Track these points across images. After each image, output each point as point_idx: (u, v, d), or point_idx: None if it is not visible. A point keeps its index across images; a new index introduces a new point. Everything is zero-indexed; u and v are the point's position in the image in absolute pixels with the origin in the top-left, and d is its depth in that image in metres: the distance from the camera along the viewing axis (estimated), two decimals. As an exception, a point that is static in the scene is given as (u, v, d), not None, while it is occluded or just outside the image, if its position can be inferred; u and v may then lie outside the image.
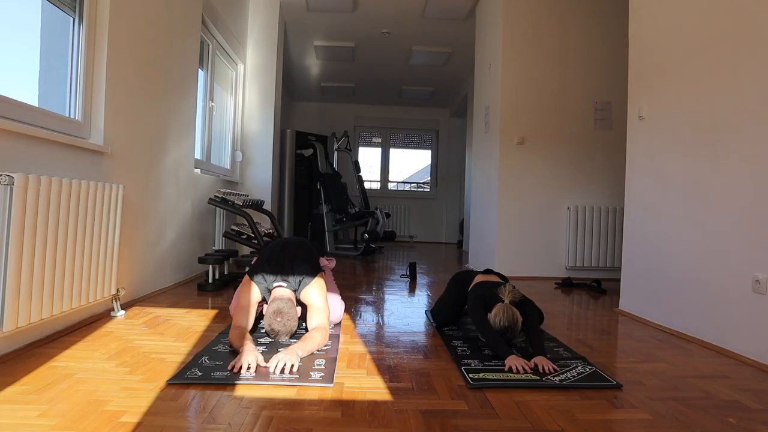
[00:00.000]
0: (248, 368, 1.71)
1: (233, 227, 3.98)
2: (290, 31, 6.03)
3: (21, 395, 1.45)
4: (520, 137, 4.47)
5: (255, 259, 2.30)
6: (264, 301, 2.17)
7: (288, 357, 1.75)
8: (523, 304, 2.15)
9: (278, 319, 1.97)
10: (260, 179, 5.30)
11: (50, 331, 2.03)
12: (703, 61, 2.48)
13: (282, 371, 1.70)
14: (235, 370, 1.70)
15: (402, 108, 9.38)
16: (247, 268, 2.28)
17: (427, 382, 1.71)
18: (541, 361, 1.87)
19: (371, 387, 1.64)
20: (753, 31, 2.17)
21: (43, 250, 1.80)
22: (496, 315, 2.06)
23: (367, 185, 8.84)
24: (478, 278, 2.49)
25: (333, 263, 2.80)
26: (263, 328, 2.27)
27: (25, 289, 1.72)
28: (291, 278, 2.13)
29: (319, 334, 1.99)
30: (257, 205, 4.17)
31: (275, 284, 2.11)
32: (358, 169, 7.18)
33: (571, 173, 4.52)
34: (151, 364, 1.77)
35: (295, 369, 1.72)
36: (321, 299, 2.15)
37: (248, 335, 1.95)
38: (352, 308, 2.90)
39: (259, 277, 2.14)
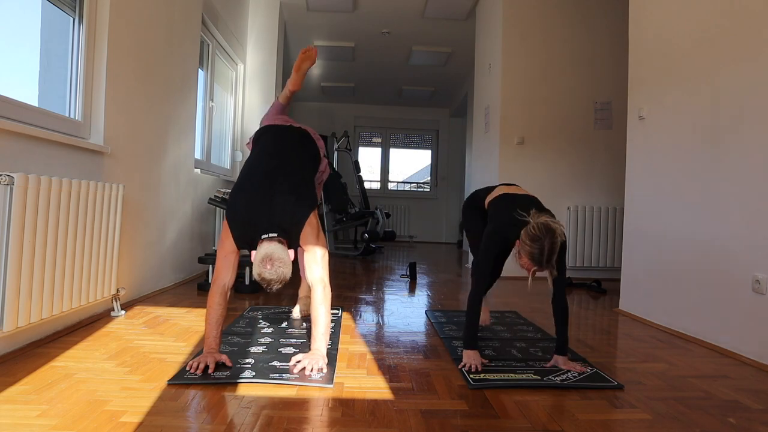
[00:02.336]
0: (207, 368, 1.68)
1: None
2: (290, 31, 6.02)
3: (21, 395, 1.45)
4: (520, 137, 4.47)
5: (234, 186, 1.94)
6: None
7: (314, 361, 1.74)
8: (561, 250, 1.77)
9: (268, 267, 1.69)
10: (260, 179, 5.29)
11: (50, 331, 2.03)
12: (703, 61, 2.48)
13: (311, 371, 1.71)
14: (192, 370, 1.67)
15: (402, 108, 9.37)
16: (224, 199, 1.91)
17: (427, 382, 1.71)
18: (565, 364, 1.85)
19: (371, 387, 1.64)
20: (753, 32, 2.17)
21: (43, 250, 1.80)
22: (534, 241, 1.70)
23: (367, 185, 8.84)
24: (499, 189, 2.14)
25: (326, 169, 2.39)
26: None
27: (25, 289, 1.72)
28: (279, 224, 1.80)
29: (323, 308, 1.83)
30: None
31: (260, 237, 1.79)
32: (358, 169, 7.18)
33: (571, 173, 4.52)
34: (151, 364, 1.77)
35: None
36: (315, 241, 1.87)
37: (218, 328, 1.80)
38: (352, 308, 2.90)
39: (237, 230, 1.83)
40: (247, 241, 1.82)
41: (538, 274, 1.79)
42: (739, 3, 2.26)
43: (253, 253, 1.79)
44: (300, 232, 1.85)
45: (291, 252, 1.80)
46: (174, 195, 3.31)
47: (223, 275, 1.85)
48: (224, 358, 1.75)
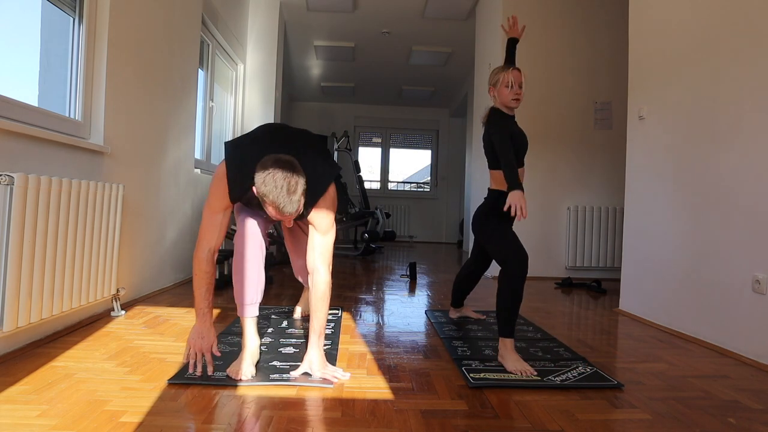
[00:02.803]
0: (203, 370, 1.64)
1: (233, 227, 3.98)
2: (290, 31, 6.02)
3: (21, 395, 1.45)
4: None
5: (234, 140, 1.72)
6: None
7: (321, 367, 1.67)
8: None
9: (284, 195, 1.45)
10: (260, 179, 5.28)
11: (50, 331, 2.03)
12: (703, 61, 2.48)
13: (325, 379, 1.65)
14: (191, 370, 1.65)
15: (402, 108, 9.37)
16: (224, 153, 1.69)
17: (427, 382, 1.71)
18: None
19: (371, 387, 1.64)
20: (753, 32, 2.17)
21: (43, 250, 1.80)
22: (495, 72, 2.16)
23: (367, 185, 8.84)
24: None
25: None
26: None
27: (25, 289, 1.72)
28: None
29: (325, 302, 1.70)
30: (257, 205, 4.15)
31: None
32: (358, 169, 7.18)
33: (571, 173, 4.51)
34: (151, 364, 1.77)
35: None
36: (330, 215, 1.72)
37: (210, 296, 1.68)
38: (352, 308, 2.91)
39: (238, 174, 1.58)
40: (242, 193, 1.58)
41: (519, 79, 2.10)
42: (739, 3, 2.26)
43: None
44: (321, 195, 1.66)
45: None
46: (174, 195, 3.31)
47: (209, 237, 1.66)
48: (214, 347, 1.69)
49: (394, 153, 9.74)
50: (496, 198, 2.13)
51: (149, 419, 1.33)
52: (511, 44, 2.55)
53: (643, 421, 1.44)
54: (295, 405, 1.47)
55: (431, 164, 9.67)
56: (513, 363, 1.83)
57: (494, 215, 2.11)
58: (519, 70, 2.13)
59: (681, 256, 2.59)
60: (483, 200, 2.23)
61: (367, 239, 5.85)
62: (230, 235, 4.01)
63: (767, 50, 2.09)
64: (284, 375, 1.69)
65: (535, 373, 1.79)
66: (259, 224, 1.79)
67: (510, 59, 2.49)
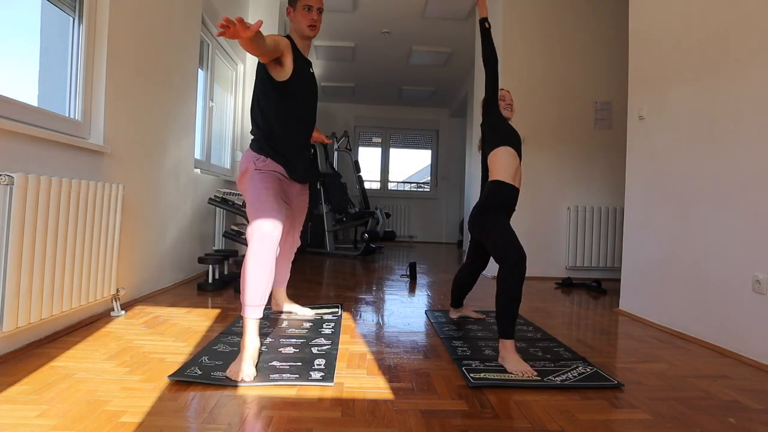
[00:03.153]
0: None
1: (233, 227, 3.98)
2: (290, 31, 6.02)
3: (21, 395, 1.45)
4: (520, 137, 4.46)
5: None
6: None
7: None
8: None
9: None
10: (260, 179, 5.28)
11: (50, 331, 2.03)
12: (703, 61, 2.48)
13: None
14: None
15: (402, 108, 9.37)
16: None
17: (427, 382, 1.71)
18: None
19: (371, 387, 1.65)
20: (753, 32, 2.17)
21: (43, 250, 1.80)
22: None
23: (367, 185, 8.84)
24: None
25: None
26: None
27: (25, 288, 1.72)
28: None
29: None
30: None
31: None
32: (358, 169, 7.18)
33: (571, 173, 4.52)
34: (151, 364, 1.77)
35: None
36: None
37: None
38: (352, 308, 2.91)
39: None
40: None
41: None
42: (739, 3, 2.26)
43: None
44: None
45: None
46: (174, 195, 3.31)
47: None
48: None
49: (394, 153, 9.74)
50: (495, 188, 2.19)
51: (149, 419, 1.33)
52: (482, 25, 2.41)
53: (643, 421, 1.44)
54: (295, 405, 1.47)
55: (431, 164, 9.67)
56: (514, 364, 1.83)
57: (493, 207, 2.16)
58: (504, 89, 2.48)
59: (681, 256, 2.59)
60: (481, 197, 2.25)
61: (367, 239, 5.85)
62: (229, 235, 3.99)
63: (767, 49, 2.09)
64: (284, 375, 1.69)
65: (536, 374, 1.79)
66: (276, 218, 1.89)
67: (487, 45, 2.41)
